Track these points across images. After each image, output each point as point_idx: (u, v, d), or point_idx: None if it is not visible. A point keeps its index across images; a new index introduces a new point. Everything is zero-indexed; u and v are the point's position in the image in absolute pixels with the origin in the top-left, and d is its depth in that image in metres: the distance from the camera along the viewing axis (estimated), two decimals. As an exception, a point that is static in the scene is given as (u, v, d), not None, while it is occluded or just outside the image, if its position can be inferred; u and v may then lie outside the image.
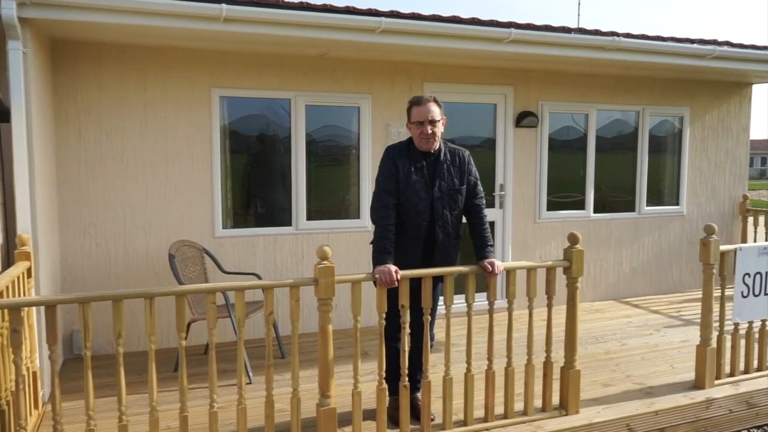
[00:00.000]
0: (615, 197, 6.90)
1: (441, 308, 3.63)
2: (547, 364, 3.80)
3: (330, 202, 5.71)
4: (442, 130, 3.50)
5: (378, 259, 3.33)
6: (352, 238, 5.68)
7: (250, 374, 4.41)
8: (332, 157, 5.69)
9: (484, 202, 3.67)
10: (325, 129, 5.57)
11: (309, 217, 5.55)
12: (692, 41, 5.53)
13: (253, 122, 5.38)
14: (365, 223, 5.69)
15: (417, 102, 3.44)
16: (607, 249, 6.79)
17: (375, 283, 3.29)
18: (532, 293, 3.69)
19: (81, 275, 4.89)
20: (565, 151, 6.57)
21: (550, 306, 3.77)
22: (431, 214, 3.48)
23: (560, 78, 6.35)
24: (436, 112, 3.41)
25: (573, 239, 3.73)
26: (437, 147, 3.50)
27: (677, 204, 7.20)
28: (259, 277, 4.94)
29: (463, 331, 4.96)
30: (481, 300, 3.91)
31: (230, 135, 5.29)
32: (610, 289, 6.89)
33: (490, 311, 3.58)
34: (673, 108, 6.99)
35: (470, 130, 6.08)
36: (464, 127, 6.01)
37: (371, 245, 3.49)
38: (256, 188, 5.52)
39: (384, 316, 3.33)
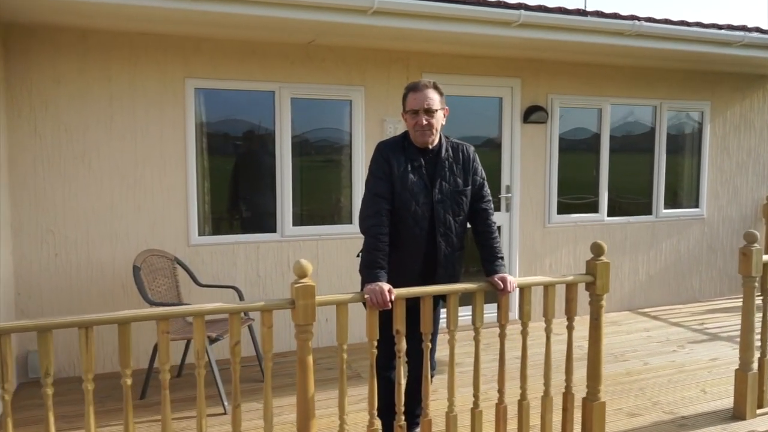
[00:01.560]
0: (630, 199, 6.36)
1: (443, 320, 3.10)
2: (567, 396, 3.26)
3: (319, 205, 5.18)
4: (443, 122, 2.96)
5: (368, 275, 2.78)
6: (343, 246, 5.14)
7: (225, 404, 3.86)
8: (321, 156, 5.15)
9: (492, 206, 3.12)
10: (314, 125, 5.03)
11: (296, 223, 5.01)
12: (719, 27, 5.01)
13: (233, 117, 4.84)
14: (358, 228, 5.13)
15: (413, 88, 2.90)
16: (622, 255, 6.25)
17: (365, 304, 2.76)
18: (549, 314, 3.15)
19: (38, 288, 4.35)
20: (576, 150, 6.04)
21: (570, 329, 3.23)
22: (431, 221, 2.93)
23: (571, 69, 5.82)
24: (434, 99, 2.87)
25: (597, 250, 3.19)
26: (436, 142, 2.96)
27: (697, 206, 6.67)
28: (239, 291, 4.40)
29: (468, 348, 4.43)
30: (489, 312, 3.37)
31: (207, 132, 4.75)
32: (625, 298, 6.35)
33: (502, 336, 3.04)
34: (693, 102, 6.45)
35: (473, 127, 5.54)
36: (467, 123, 5.47)
37: (359, 258, 2.96)
38: (237, 191, 4.98)
39: (375, 343, 2.79)
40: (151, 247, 4.55)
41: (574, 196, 6.05)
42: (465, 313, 3.21)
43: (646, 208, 6.42)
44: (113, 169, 4.46)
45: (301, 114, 4.96)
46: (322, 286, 5.08)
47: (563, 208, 5.97)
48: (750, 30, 5.17)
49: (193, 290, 4.66)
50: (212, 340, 3.89)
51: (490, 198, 3.11)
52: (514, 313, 5.57)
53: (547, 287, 3.13)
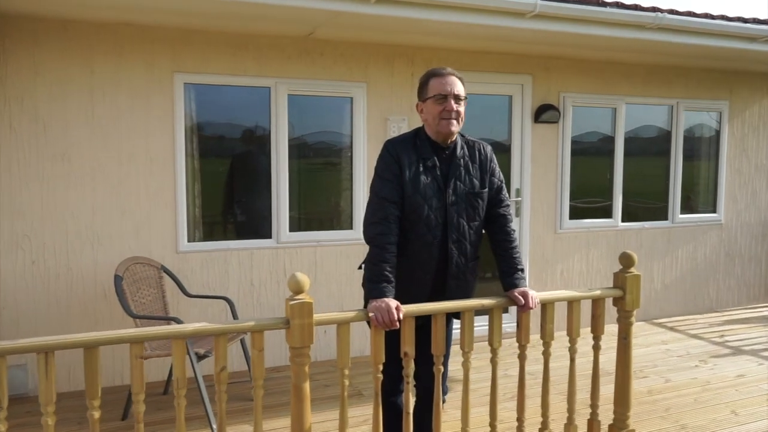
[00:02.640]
0: (645, 204, 6.04)
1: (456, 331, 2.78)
2: (593, 423, 2.94)
3: (318, 210, 4.85)
4: (463, 117, 2.64)
5: (373, 290, 2.45)
6: (343, 253, 4.81)
7: (213, 426, 3.53)
8: (320, 157, 4.82)
9: (512, 212, 2.80)
10: (312, 123, 4.71)
11: (293, 228, 4.68)
12: (745, 20, 4.69)
13: (226, 115, 4.51)
14: (359, 234, 4.82)
15: (436, 73, 2.59)
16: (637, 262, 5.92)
17: (369, 323, 2.43)
18: (574, 332, 2.82)
19: (13, 299, 4.01)
20: (589, 152, 5.72)
21: (597, 349, 2.91)
22: (444, 228, 2.60)
23: (585, 66, 5.50)
24: (461, 87, 2.58)
25: (627, 260, 2.87)
26: (452, 139, 2.64)
27: (714, 211, 6.35)
28: (230, 302, 4.07)
29: (480, 362, 4.13)
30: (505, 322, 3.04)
31: (198, 130, 4.42)
32: (640, 308, 5.94)
33: (522, 358, 2.71)
34: (711, 102, 6.14)
35: (481, 126, 5.21)
36: (475, 122, 5.14)
37: (361, 270, 2.64)
38: (229, 194, 4.65)
39: (381, 367, 2.46)
40: (136, 253, 4.22)
41: (587, 200, 5.73)
42: (479, 323, 2.86)
43: (661, 213, 6.10)
44: (95, 169, 4.13)
45: (298, 112, 4.63)
46: (321, 296, 4.76)
47: (575, 213, 5.65)
48: (777, 24, 4.86)
49: (181, 301, 4.33)
50: (200, 357, 3.56)
51: (509, 203, 2.78)
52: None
53: (572, 303, 2.81)
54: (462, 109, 2.57)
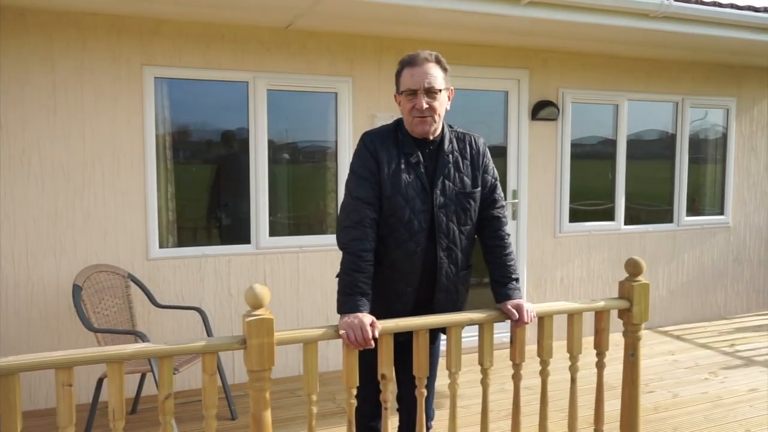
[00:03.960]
0: (649, 206, 5.73)
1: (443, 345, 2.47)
2: (597, 450, 2.62)
3: (300, 213, 4.54)
4: (448, 107, 2.32)
5: (346, 304, 2.15)
6: (328, 259, 4.50)
7: (180, 451, 3.21)
8: (303, 156, 4.52)
9: (506, 213, 2.49)
10: (294, 120, 4.40)
11: (273, 233, 4.37)
12: (756, 9, 4.39)
13: (201, 112, 4.21)
14: (345, 239, 4.51)
15: (409, 61, 2.25)
16: (640, 268, 5.61)
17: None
18: (575, 348, 2.52)
19: (-33, 311, 3.71)
20: (589, 152, 5.42)
21: (601, 367, 2.60)
22: (430, 233, 2.29)
23: (585, 60, 5.20)
24: (437, 77, 2.23)
25: (634, 268, 2.57)
26: (438, 131, 2.33)
27: (722, 213, 6.04)
28: (203, 313, 3.76)
29: (471, 376, 3.81)
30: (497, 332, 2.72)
31: (170, 128, 4.12)
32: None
33: (516, 379, 2.41)
34: (717, 98, 5.84)
35: (475, 124, 4.90)
36: (468, 120, 4.83)
37: (338, 279, 2.33)
38: (205, 196, 4.34)
39: (354, 391, 2.15)
40: (102, 260, 3.91)
41: (587, 202, 5.42)
42: (468, 334, 2.53)
43: (666, 216, 5.79)
44: (57, 170, 3.82)
45: (279, 108, 4.33)
46: (304, 306, 4.45)
47: (575, 216, 5.35)
48: (789, 14, 4.56)
49: (151, 312, 4.02)
50: (166, 375, 3.24)
51: (504, 204, 2.48)
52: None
53: (573, 315, 2.50)
54: (437, 103, 2.22)
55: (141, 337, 3.16)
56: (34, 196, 3.79)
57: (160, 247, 4.10)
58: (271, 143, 4.30)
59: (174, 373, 3.20)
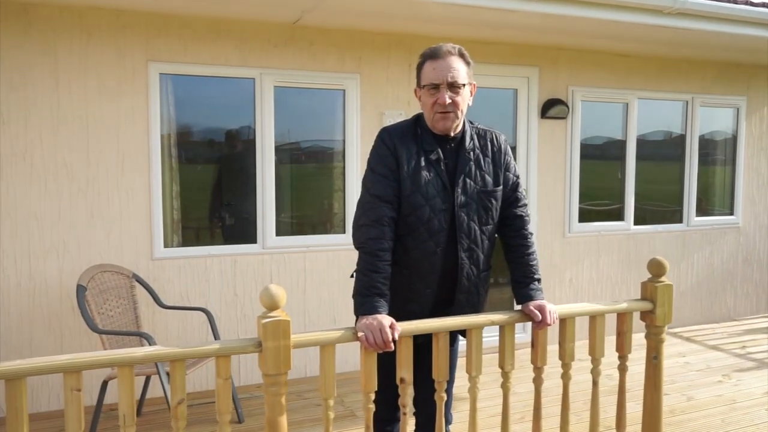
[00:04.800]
0: (659, 206, 5.66)
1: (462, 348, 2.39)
2: (619, 457, 2.55)
3: (307, 212, 4.47)
4: (470, 103, 2.24)
5: (364, 305, 2.07)
6: (335, 259, 4.42)
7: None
8: (310, 154, 4.44)
9: (529, 212, 2.41)
10: (301, 118, 4.32)
11: (280, 232, 4.29)
12: (770, 6, 4.33)
13: (207, 109, 4.13)
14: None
15: (432, 54, 2.16)
16: (650, 269, 5.53)
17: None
18: (597, 351, 2.44)
19: (-32, 312, 3.63)
20: (598, 152, 5.35)
21: (623, 370, 2.52)
22: (449, 233, 2.21)
23: (595, 58, 5.13)
24: (460, 71, 2.14)
25: (657, 268, 2.49)
26: (459, 128, 2.25)
27: (731, 214, 5.98)
28: (209, 314, 3.68)
29: (488, 377, 3.74)
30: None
31: (176, 125, 4.04)
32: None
33: (537, 383, 2.33)
34: (728, 98, 5.78)
35: (484, 121, 4.80)
36: (477, 117, 4.72)
37: (352, 279, 2.25)
38: (211, 195, 4.26)
39: (373, 395, 2.08)
40: (106, 260, 3.83)
41: (597, 202, 5.35)
42: (485, 335, 2.44)
43: (675, 216, 5.72)
44: (60, 168, 3.74)
45: (286, 106, 4.25)
46: (311, 306, 4.37)
47: (584, 216, 5.27)
48: (803, 10, 4.49)
49: (156, 312, 3.94)
50: (172, 377, 3.16)
51: (527, 202, 2.40)
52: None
53: (595, 317, 2.43)
54: (460, 98, 2.14)
55: (147, 338, 3.08)
56: (36, 195, 3.71)
57: (165, 246, 4.02)
58: (277, 141, 4.22)
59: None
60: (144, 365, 3.28)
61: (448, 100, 2.11)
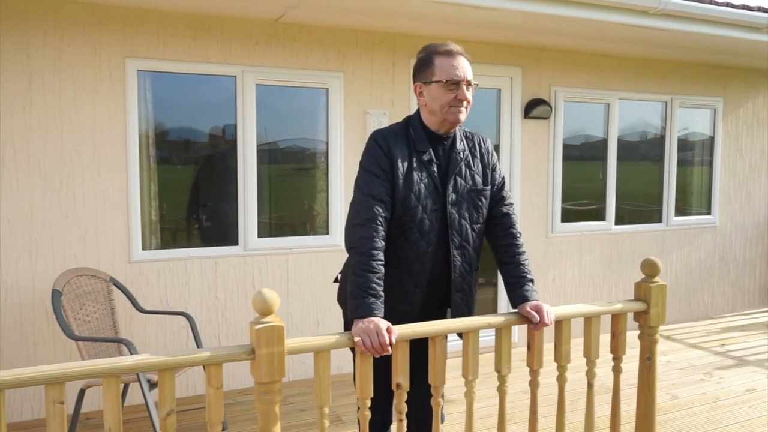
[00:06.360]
0: (639, 207, 5.70)
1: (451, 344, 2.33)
2: (614, 459, 2.53)
3: (289, 213, 4.38)
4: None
5: (360, 308, 2.00)
6: (318, 260, 4.35)
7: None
8: (292, 154, 4.35)
9: (515, 212, 2.41)
10: (283, 117, 4.24)
11: (262, 234, 4.20)
12: (750, 8, 4.38)
13: (187, 107, 4.01)
14: (337, 240, 4.36)
15: (445, 51, 2.20)
16: (631, 268, 5.59)
17: (353, 348, 1.99)
18: (593, 352, 2.42)
19: (-66, 318, 3.46)
20: (580, 153, 5.36)
21: (618, 371, 2.50)
22: (440, 233, 2.19)
23: (577, 58, 5.15)
24: (470, 70, 2.23)
25: (651, 268, 2.48)
26: (452, 130, 2.29)
27: (709, 213, 6.05)
28: (190, 318, 3.57)
29: (482, 375, 3.72)
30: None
31: (155, 123, 3.92)
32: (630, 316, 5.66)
33: (533, 386, 2.29)
34: (705, 98, 5.85)
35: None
36: (461, 118, 4.71)
37: (337, 284, 2.20)
38: (191, 196, 4.15)
39: (369, 402, 2.01)
40: (82, 263, 3.70)
41: (578, 202, 5.36)
42: (484, 335, 2.40)
43: (655, 216, 5.77)
44: (33, 168, 3.60)
45: (268, 105, 4.16)
46: (294, 309, 4.28)
47: (567, 216, 5.28)
48: (781, 13, 4.55)
49: (134, 317, 3.82)
50: (153, 384, 3.06)
51: (512, 202, 2.40)
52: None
53: (590, 318, 2.40)
54: (470, 96, 2.23)
55: (127, 345, 2.97)
56: (7, 195, 3.56)
57: (143, 249, 3.90)
58: (259, 141, 4.13)
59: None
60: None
61: (469, 97, 2.20)
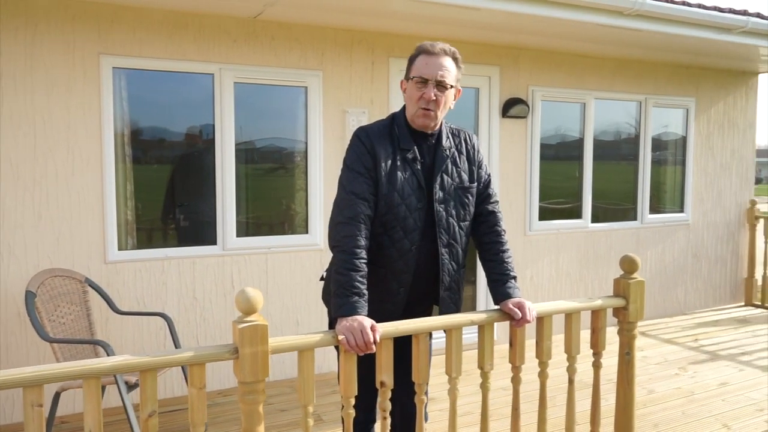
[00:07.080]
0: (615, 205, 5.79)
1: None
2: (594, 453, 2.56)
3: (268, 212, 4.34)
4: (452, 107, 2.28)
5: (343, 306, 2.00)
6: (297, 260, 4.32)
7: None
8: (271, 153, 4.32)
9: (501, 210, 2.42)
10: (262, 116, 4.20)
11: (240, 233, 4.16)
12: (721, 10, 4.47)
13: (164, 105, 3.96)
14: (316, 239, 4.35)
15: (427, 50, 2.17)
16: (607, 266, 5.67)
17: (337, 347, 1.98)
18: (573, 349, 2.45)
19: None
20: (557, 152, 5.42)
21: (597, 367, 2.54)
22: (424, 232, 2.19)
23: (554, 58, 5.20)
24: (450, 72, 2.16)
25: (629, 265, 2.52)
26: (438, 126, 2.25)
27: (682, 211, 6.17)
28: (168, 319, 3.51)
29: (464, 372, 3.71)
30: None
31: (130, 122, 3.85)
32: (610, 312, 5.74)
33: (515, 382, 2.31)
34: (678, 98, 5.96)
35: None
36: (440, 117, 4.73)
37: (322, 282, 2.20)
38: (168, 195, 4.09)
39: (353, 401, 2.01)
40: (56, 264, 3.62)
41: (555, 201, 5.42)
42: (464, 332, 2.41)
43: (630, 214, 5.86)
44: (5, 167, 3.51)
45: (246, 103, 4.12)
46: (273, 309, 4.26)
47: (544, 215, 5.33)
48: (751, 15, 4.66)
49: (111, 318, 3.76)
50: (131, 386, 3.02)
51: (498, 200, 2.41)
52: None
53: (571, 315, 2.43)
54: (443, 98, 2.17)
55: (104, 347, 2.92)
56: (-21, 195, 3.47)
57: (119, 249, 3.83)
58: (237, 139, 4.09)
59: (138, 386, 2.98)
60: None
61: (433, 97, 2.13)
